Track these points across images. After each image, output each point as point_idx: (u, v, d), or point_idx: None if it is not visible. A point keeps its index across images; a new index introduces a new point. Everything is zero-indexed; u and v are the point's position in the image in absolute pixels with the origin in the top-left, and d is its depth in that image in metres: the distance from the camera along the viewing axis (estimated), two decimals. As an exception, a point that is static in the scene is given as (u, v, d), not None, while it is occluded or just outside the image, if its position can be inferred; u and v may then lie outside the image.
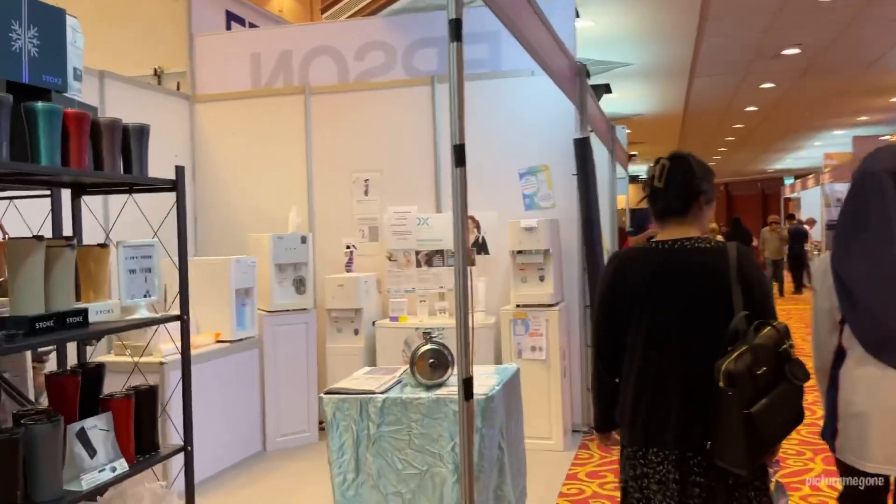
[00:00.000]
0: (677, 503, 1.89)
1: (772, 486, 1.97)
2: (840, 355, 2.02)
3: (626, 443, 2.02)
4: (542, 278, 4.76)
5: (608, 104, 10.22)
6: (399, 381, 3.04)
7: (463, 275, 2.33)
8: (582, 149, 4.92)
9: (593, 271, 4.90)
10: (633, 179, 21.66)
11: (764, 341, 1.81)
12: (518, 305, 4.76)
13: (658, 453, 1.92)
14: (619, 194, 10.50)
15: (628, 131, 12.99)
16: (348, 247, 5.41)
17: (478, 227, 5.10)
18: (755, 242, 14.00)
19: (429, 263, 5.10)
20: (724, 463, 1.82)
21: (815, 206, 16.49)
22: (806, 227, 15.15)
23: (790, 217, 15.88)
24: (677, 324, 1.92)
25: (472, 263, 5.05)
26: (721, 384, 1.77)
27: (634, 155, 17.41)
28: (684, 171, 1.98)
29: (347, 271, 5.37)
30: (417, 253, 5.13)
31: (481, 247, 5.10)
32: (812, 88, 9.77)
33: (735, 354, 1.78)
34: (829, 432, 2.06)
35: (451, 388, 2.79)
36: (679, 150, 2.07)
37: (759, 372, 1.77)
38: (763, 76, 9.06)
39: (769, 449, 1.87)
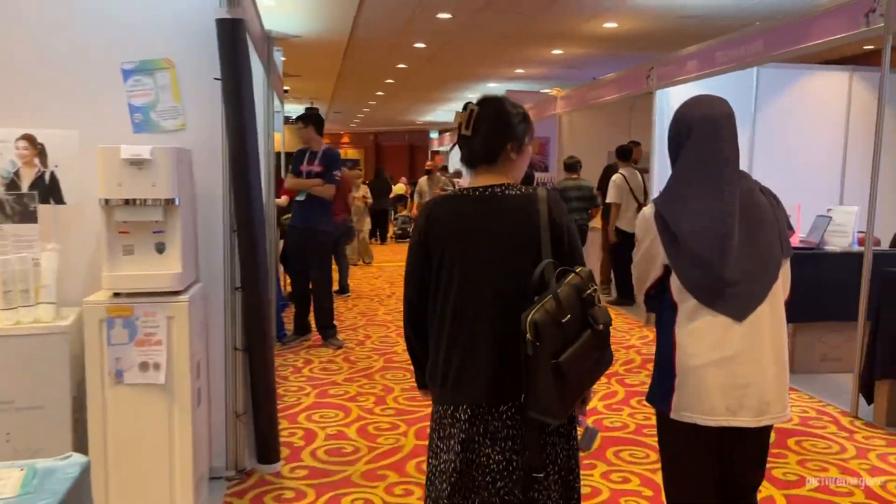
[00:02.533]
0: (484, 456, 1.87)
1: (580, 432, 2.02)
2: (670, 310, 1.97)
3: (438, 402, 1.96)
4: (161, 248, 2.88)
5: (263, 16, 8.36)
6: None
7: None
8: (231, 37, 3.11)
9: (249, 235, 3.18)
10: (286, 120, 20.02)
11: (568, 289, 1.80)
12: (117, 294, 2.82)
13: (467, 410, 1.88)
14: (276, 132, 8.90)
15: (283, 58, 11.25)
16: None
17: (41, 154, 2.96)
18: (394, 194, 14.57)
19: (-60, 218, 2.83)
20: (536, 413, 1.79)
21: (464, 159, 16.85)
22: (458, 179, 15.26)
23: (443, 169, 15.97)
24: (489, 273, 1.87)
25: (33, 220, 2.93)
26: (528, 336, 1.72)
27: (286, 90, 15.72)
28: (493, 117, 1.92)
29: None
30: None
31: (50, 191, 2.98)
32: (487, 26, 9.13)
33: (540, 304, 1.76)
34: (663, 392, 1.98)
35: None
36: (492, 94, 1.98)
37: (564, 320, 1.76)
38: (442, 4, 8.06)
39: (580, 396, 1.89)
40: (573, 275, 1.82)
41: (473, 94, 16.48)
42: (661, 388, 2.00)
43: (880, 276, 4.29)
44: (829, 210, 5.74)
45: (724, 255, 1.86)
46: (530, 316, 1.72)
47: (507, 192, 1.89)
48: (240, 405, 3.38)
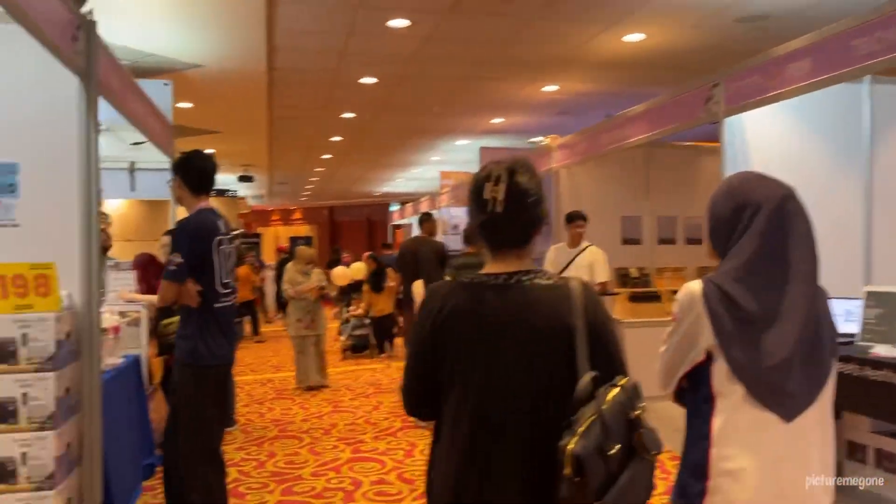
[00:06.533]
0: None
1: None
2: (707, 403, 1.74)
3: None
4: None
5: (119, 34, 5.91)
6: None
7: None
8: None
9: None
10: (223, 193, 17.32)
11: (614, 408, 1.55)
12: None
13: None
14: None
15: (186, 105, 8.68)
16: None
17: None
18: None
19: None
20: None
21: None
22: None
23: (386, 246, 13.77)
24: (515, 382, 1.64)
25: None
26: (567, 470, 1.48)
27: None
28: (528, 191, 1.69)
29: None
30: None
31: None
32: (456, 47, 6.68)
33: (582, 430, 1.51)
34: (693, 494, 1.75)
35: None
36: (516, 159, 1.73)
37: (611, 452, 1.52)
38: (391, 7, 5.60)
39: None
40: (617, 389, 1.58)
41: (438, 156, 14.11)
42: (691, 489, 1.75)
43: None
44: None
45: (797, 350, 1.70)
46: (571, 445, 1.49)
47: (534, 281, 1.69)
48: None
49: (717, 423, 1.72)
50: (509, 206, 1.65)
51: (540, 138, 8.47)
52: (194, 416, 3.37)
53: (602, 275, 6.06)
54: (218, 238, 3.43)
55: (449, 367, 1.68)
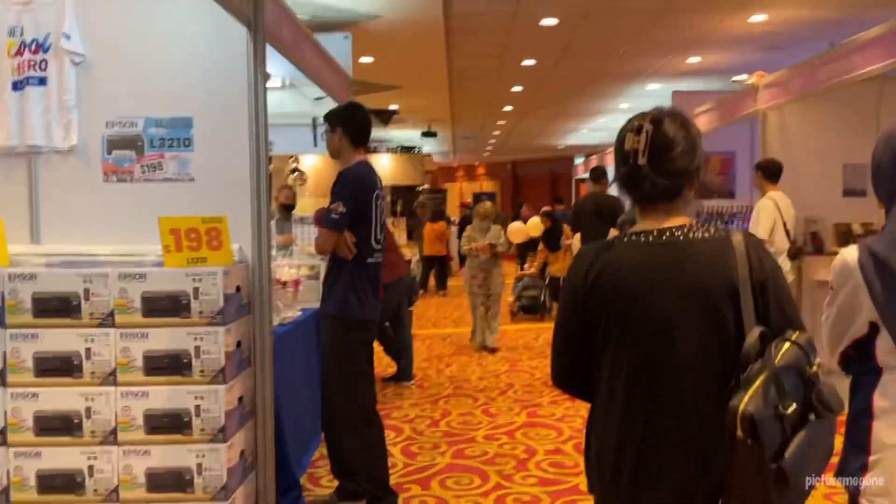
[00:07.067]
0: None
1: None
2: (872, 374, 1.66)
3: (602, 500, 1.70)
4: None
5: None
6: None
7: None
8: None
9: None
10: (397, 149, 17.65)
11: (787, 364, 1.46)
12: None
13: None
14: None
15: (367, 60, 8.74)
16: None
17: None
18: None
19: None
20: None
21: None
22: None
23: (557, 201, 13.53)
24: (675, 344, 1.57)
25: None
26: (739, 432, 1.40)
27: (394, 112, 13.26)
28: (676, 141, 1.59)
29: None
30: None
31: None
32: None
33: (753, 388, 1.43)
34: (854, 469, 1.69)
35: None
36: (663, 109, 1.66)
37: (788, 411, 1.43)
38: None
39: None
40: (788, 344, 1.49)
41: (626, 104, 13.19)
42: (853, 464, 1.69)
43: None
44: None
45: None
46: (742, 406, 1.40)
47: (691, 235, 1.61)
48: None
49: (880, 396, 1.66)
50: (652, 158, 1.58)
51: (744, 76, 7.54)
52: (345, 374, 3.36)
53: (758, 229, 5.60)
54: (376, 192, 3.36)
55: (602, 331, 1.64)
